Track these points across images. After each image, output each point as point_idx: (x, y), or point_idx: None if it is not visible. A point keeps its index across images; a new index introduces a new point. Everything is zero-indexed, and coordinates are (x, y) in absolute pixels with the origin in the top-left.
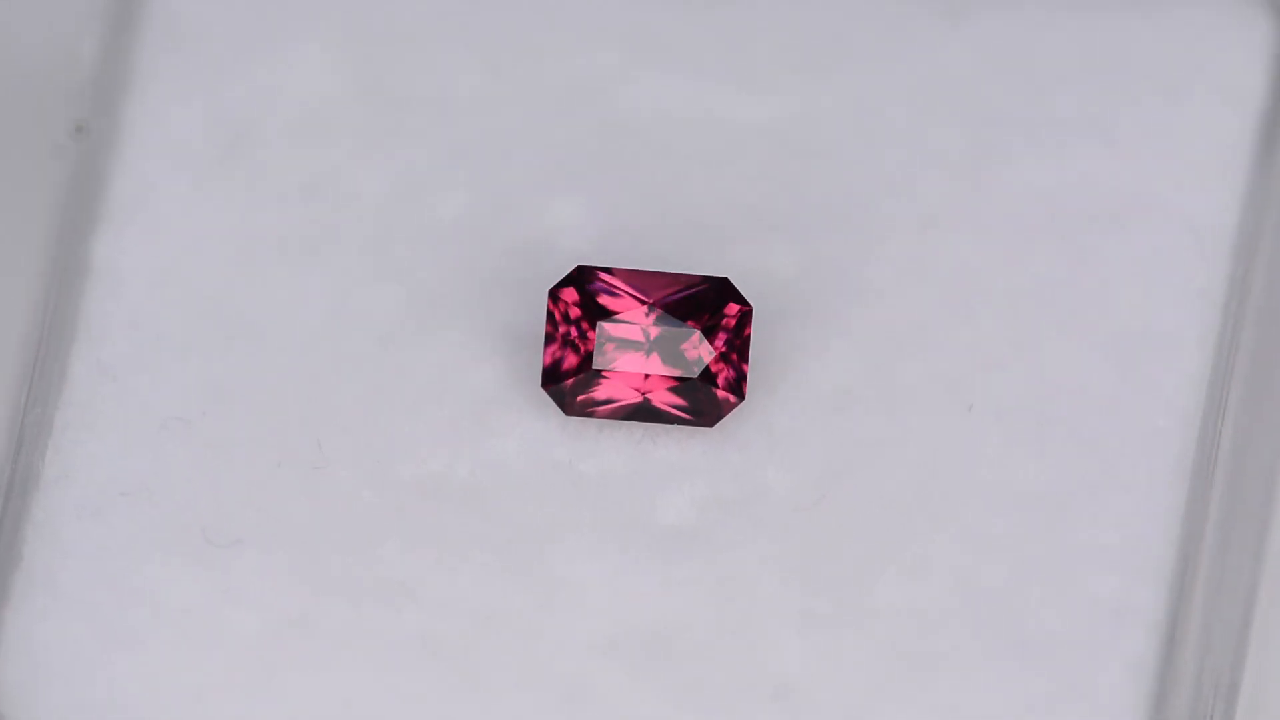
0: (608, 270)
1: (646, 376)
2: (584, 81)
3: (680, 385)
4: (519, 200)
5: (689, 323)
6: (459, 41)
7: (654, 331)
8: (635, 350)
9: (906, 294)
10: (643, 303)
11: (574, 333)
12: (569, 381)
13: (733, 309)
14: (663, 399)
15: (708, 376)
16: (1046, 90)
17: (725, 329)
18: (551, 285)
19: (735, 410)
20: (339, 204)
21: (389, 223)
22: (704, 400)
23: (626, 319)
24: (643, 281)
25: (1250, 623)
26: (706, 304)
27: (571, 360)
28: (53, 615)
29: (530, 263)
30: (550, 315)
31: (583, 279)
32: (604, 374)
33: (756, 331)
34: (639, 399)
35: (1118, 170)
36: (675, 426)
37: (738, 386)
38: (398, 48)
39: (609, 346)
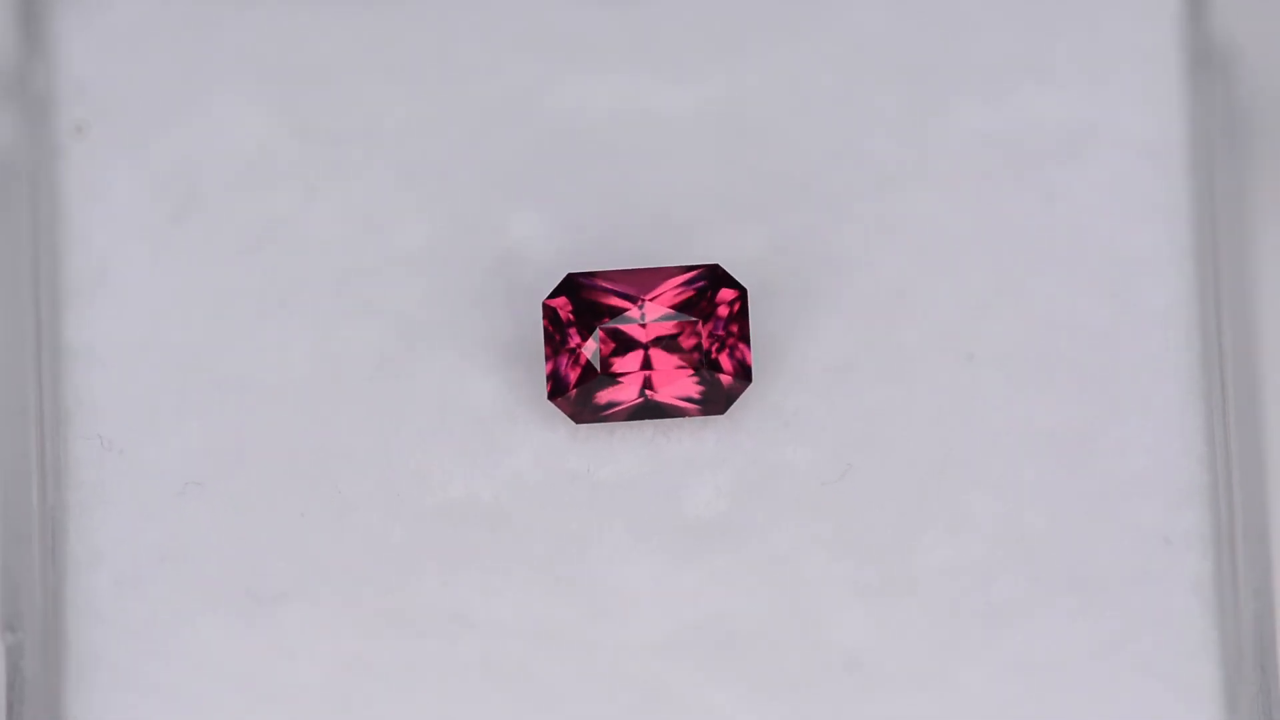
0: (596, 274)
1: (651, 373)
2: (513, 93)
3: (686, 377)
4: (477, 218)
5: (685, 314)
6: (381, 70)
7: (651, 328)
8: (636, 349)
9: (881, 257)
10: (636, 301)
11: (572, 341)
12: (575, 390)
13: (727, 294)
14: (670, 393)
15: (712, 364)
16: (968, 34)
17: (721, 315)
18: (530, 296)
19: (743, 395)
20: (300, 247)
21: (355, 258)
22: (712, 389)
23: (623, 319)
24: (632, 280)
25: (1270, 535)
26: (700, 293)
27: (574, 369)
28: (112, 693)
29: (503, 278)
30: (546, 328)
31: (573, 286)
32: (609, 378)
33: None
34: (646, 397)
35: (1058, 103)
36: (684, 419)
37: (744, 370)
38: (322, 85)
39: (609, 349)
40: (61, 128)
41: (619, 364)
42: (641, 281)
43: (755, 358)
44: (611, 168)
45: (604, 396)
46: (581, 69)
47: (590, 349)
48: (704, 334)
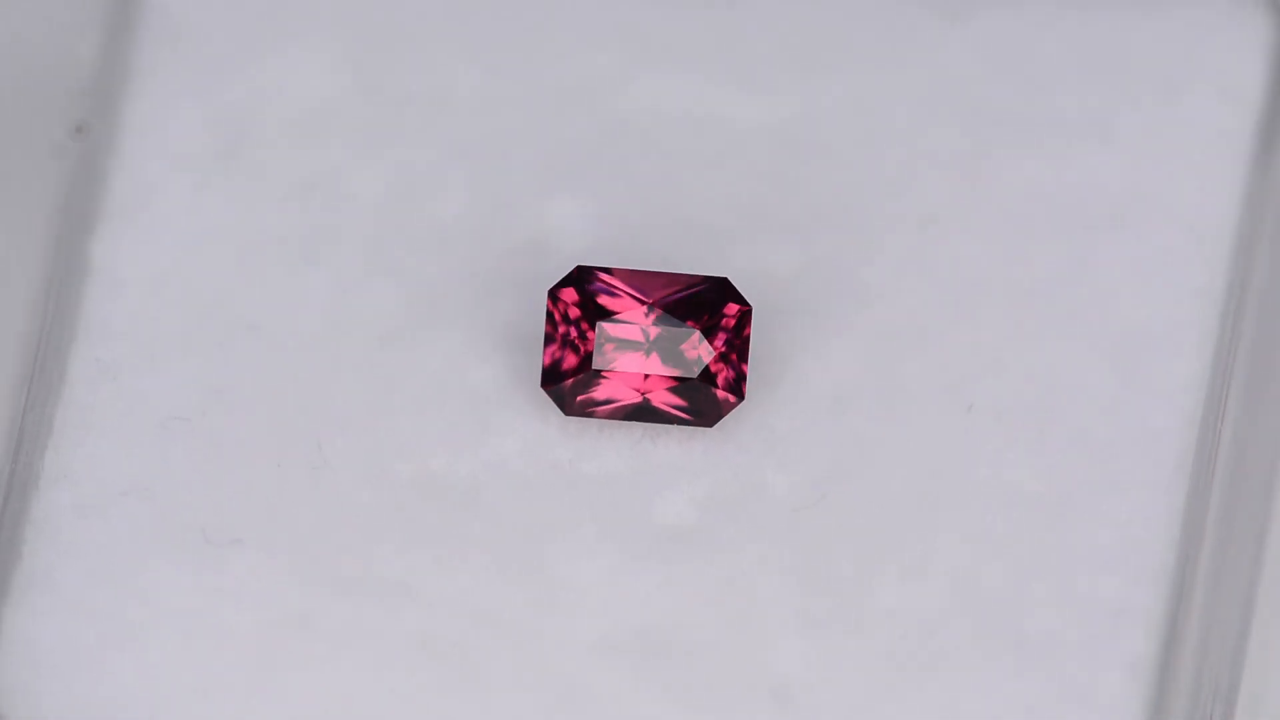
0: (607, 270)
1: (646, 377)
2: (584, 82)
3: (680, 385)
4: (518, 200)
5: (689, 323)
6: (459, 41)
7: (654, 331)
8: (635, 350)
9: (906, 293)
10: (642, 303)
11: (573, 333)
12: (569, 381)
13: (732, 309)
14: (662, 399)
15: (707, 376)
16: (1046, 89)
17: (725, 329)
18: (551, 285)
19: (735, 410)
20: (338, 204)
21: (388, 223)
22: (704, 400)
23: (626, 319)
24: (642, 281)
25: (1250, 624)
26: (706, 304)
27: (571, 360)
28: (52, 614)
29: (530, 263)
30: (550, 315)
31: (582, 279)
32: (603, 374)
33: (756, 331)
34: (638, 399)
35: (1117, 169)
36: (675, 426)
37: (737, 386)
38: (397, 47)
39: (608, 346)
40: (144, 46)
41: (616, 362)
42: (650, 284)
43: (757, 375)
44: (663, 168)
45: (596, 392)
46: (657, 68)
47: (590, 343)
48: (704, 345)
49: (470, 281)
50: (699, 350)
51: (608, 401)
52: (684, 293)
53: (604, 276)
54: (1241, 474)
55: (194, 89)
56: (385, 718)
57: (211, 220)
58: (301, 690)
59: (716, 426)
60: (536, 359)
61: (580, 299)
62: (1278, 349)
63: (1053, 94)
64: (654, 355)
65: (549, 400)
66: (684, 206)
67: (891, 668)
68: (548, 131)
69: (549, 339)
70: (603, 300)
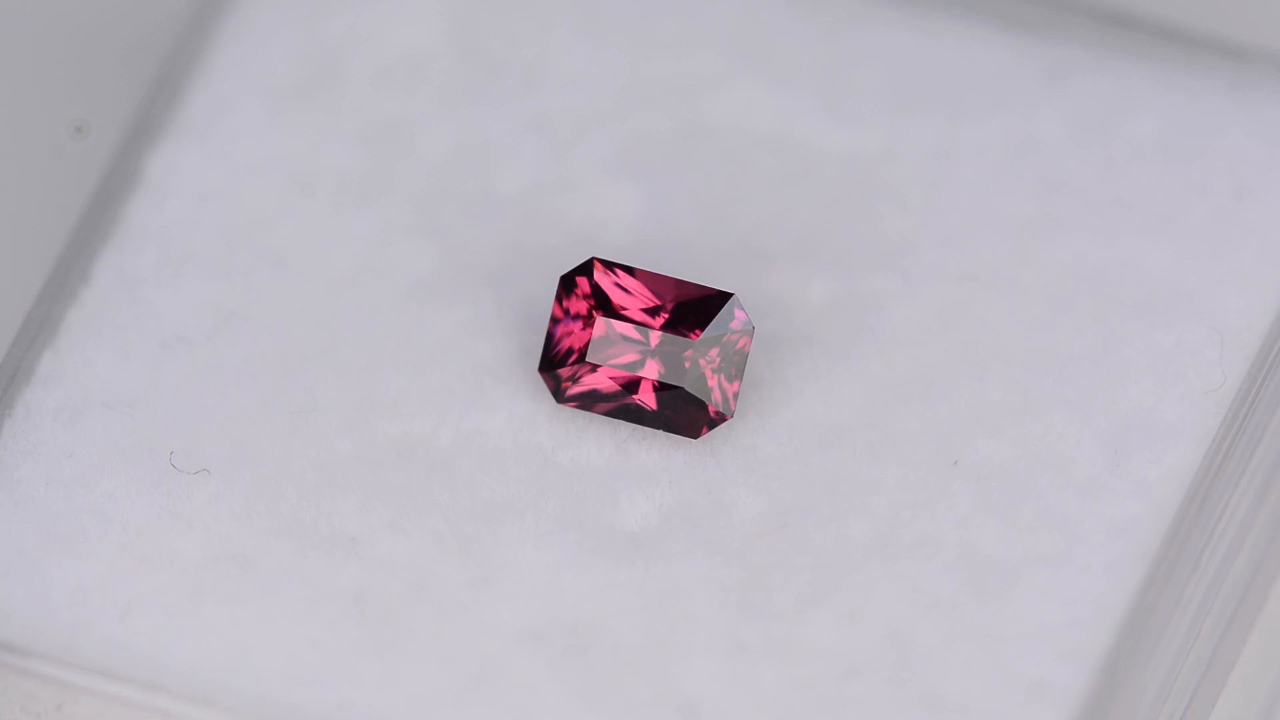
0: (623, 268)
1: (639, 379)
2: (679, 79)
3: (670, 393)
4: (578, 183)
5: (690, 333)
6: (564, 15)
7: (654, 335)
8: (633, 350)
9: (925, 344)
10: (650, 305)
11: (578, 323)
12: (563, 370)
13: (735, 325)
14: (651, 403)
15: (699, 388)
16: (1122, 168)
17: (724, 344)
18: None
19: (724, 426)
20: (402, 156)
21: (444, 184)
22: (692, 411)
23: (630, 318)
24: (654, 284)
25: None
26: (710, 316)
27: (570, 349)
28: (3, 506)
29: (569, 247)
30: (558, 301)
31: (594, 271)
32: (597, 368)
33: (768, 354)
34: (628, 399)
35: (1166, 259)
36: (660, 432)
37: (726, 403)
38: (502, 11)
39: (608, 342)
40: None
41: (612, 359)
42: (661, 288)
43: (759, 400)
44: (726, 178)
45: (589, 384)
46: (753, 76)
47: (589, 335)
48: (700, 357)
49: (503, 255)
50: (695, 361)
51: (598, 396)
52: (690, 302)
53: (617, 273)
54: (1203, 579)
55: (291, 19)
56: (301, 665)
57: (272, 150)
58: (226, 624)
59: (701, 440)
60: (542, 342)
61: (591, 290)
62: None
63: (1125, 173)
64: (651, 359)
65: (544, 385)
66: (734, 220)
67: (803, 706)
68: (625, 121)
69: (552, 324)
70: (613, 296)
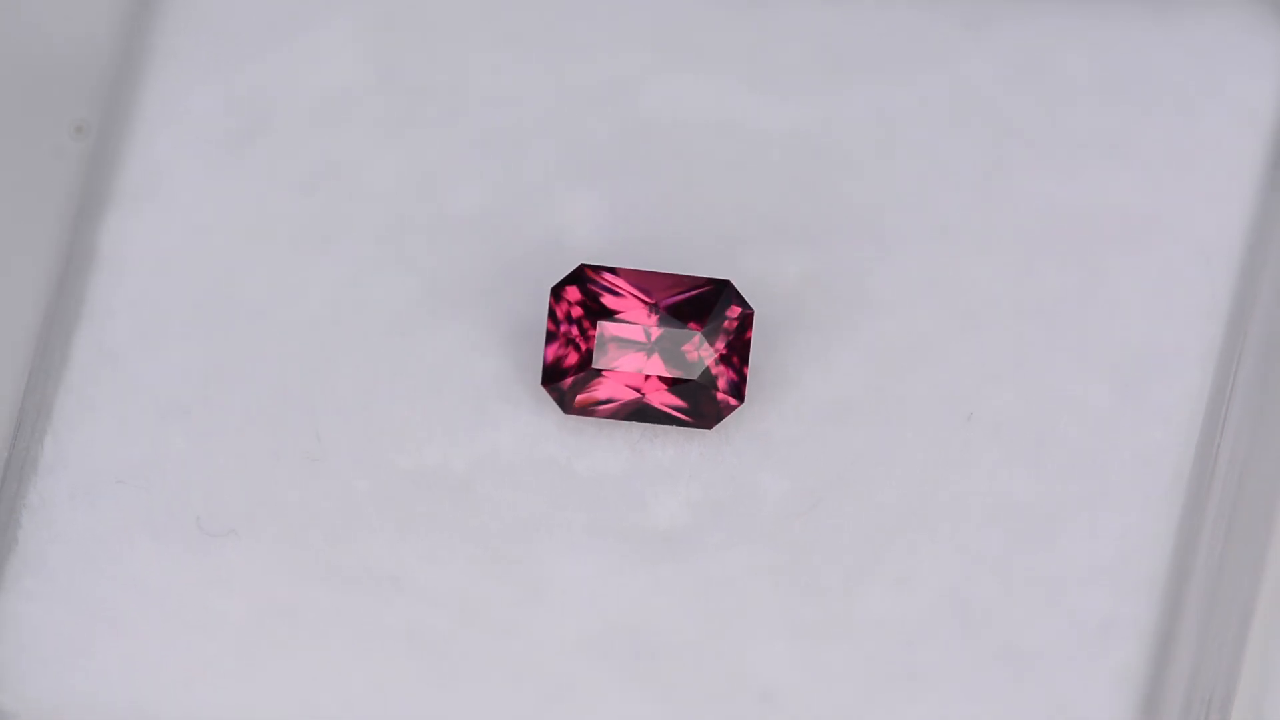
0: (611, 270)
1: (646, 377)
2: (606, 80)
3: (679, 387)
4: (533, 196)
5: (690, 324)
6: (483, 33)
7: (655, 332)
8: (636, 350)
9: (912, 305)
10: (645, 303)
11: (575, 331)
12: (568, 380)
13: (734, 312)
14: (661, 400)
15: (707, 379)
16: (1063, 103)
17: (726, 332)
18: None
19: (734, 414)
20: (351, 193)
21: (401, 213)
22: (703, 402)
23: (628, 319)
24: (645, 282)
25: (1245, 639)
26: (708, 306)
27: (572, 359)
28: (42, 598)
29: (540, 259)
30: (552, 313)
31: (585, 278)
32: (603, 373)
33: (760, 337)
34: (638, 399)
35: (1128, 186)
36: (673, 428)
37: (737, 389)
38: (420, 37)
39: (609, 346)
40: (158, 30)
41: (616, 362)
42: (653, 285)
43: (758, 380)
44: (679, 170)
45: (596, 391)
46: (679, 69)
47: (591, 342)
48: (704, 347)
49: (479, 275)
50: (700, 352)
51: (607, 401)
52: (686, 294)
53: (607, 276)
54: (1239, 490)
55: (212, 73)
56: (370, 708)
57: (222, 205)
58: (287, 679)
59: (715, 429)
60: (539, 355)
61: (583, 297)
62: (1276, 370)
63: (1070, 109)
64: (655, 356)
65: (549, 398)
66: (698, 209)
67: (878, 678)
68: (566, 128)
69: (550, 337)
70: (605, 300)
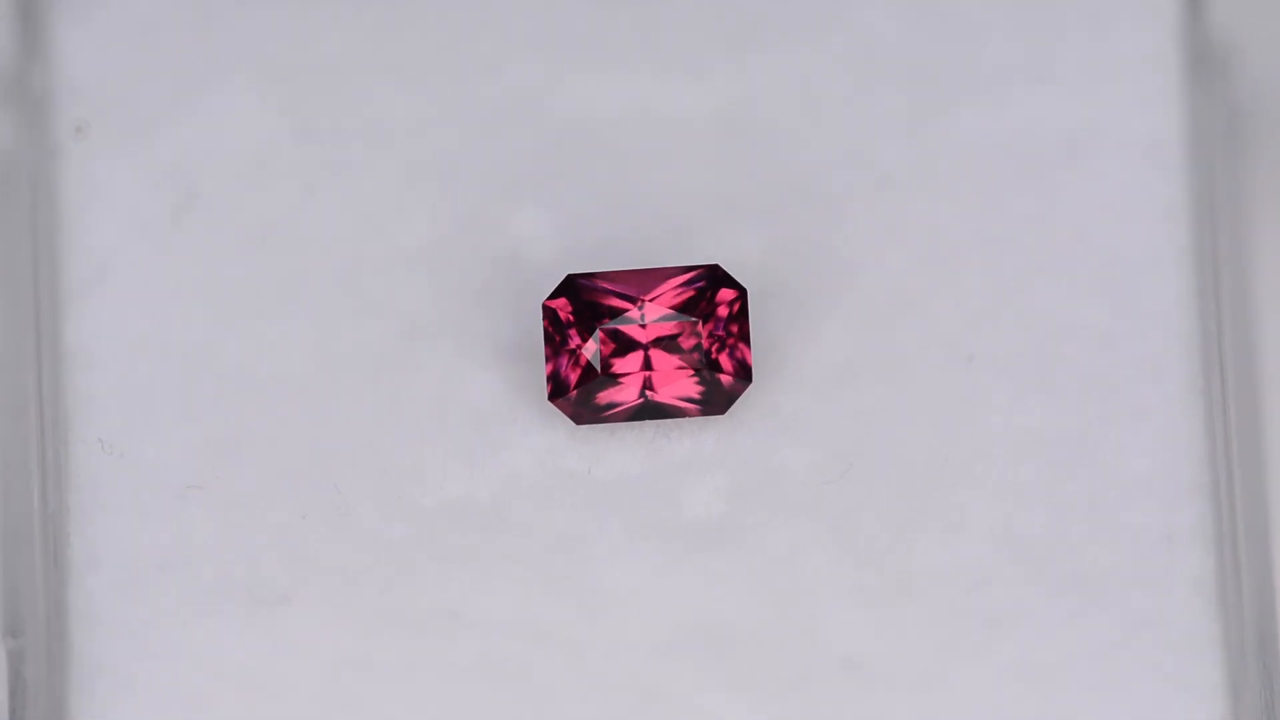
0: (596, 274)
1: (651, 374)
2: (519, 92)
3: (686, 377)
4: (480, 218)
5: (685, 314)
6: (387, 68)
7: (652, 328)
8: (636, 349)
9: (882, 259)
10: (636, 301)
11: (572, 342)
12: (575, 391)
13: (726, 294)
14: (670, 394)
15: (712, 365)
16: (974, 38)
17: (721, 315)
18: (531, 296)
19: (743, 396)
20: (302, 246)
21: (356, 258)
22: (712, 389)
23: (623, 320)
24: (632, 280)
25: (1271, 529)
26: (699, 293)
27: (574, 370)
28: (113, 697)
29: (504, 277)
30: (546, 329)
31: (573, 287)
32: (609, 378)
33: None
34: (646, 398)
35: (1059, 106)
36: (684, 420)
37: (744, 370)
38: (325, 82)
39: (609, 350)
40: (60, 127)
41: (619, 365)
42: (641, 282)
43: (755, 359)
44: (615, 168)
45: (604, 397)
46: (587, 68)
47: (590, 350)
48: (704, 334)
49: (450, 304)
50: (699, 340)
51: (616, 405)
52: (675, 285)
53: (595, 281)
54: (1251, 383)
55: (127, 156)
56: None
57: (176, 282)
58: None
59: (726, 415)
60: (533, 372)
61: (574, 307)
62: (1252, 255)
63: (981, 42)
64: (655, 351)
65: (554, 411)
66: (644, 203)
67: (954, 626)
68: (493, 147)
69: (549, 352)
70: (597, 304)
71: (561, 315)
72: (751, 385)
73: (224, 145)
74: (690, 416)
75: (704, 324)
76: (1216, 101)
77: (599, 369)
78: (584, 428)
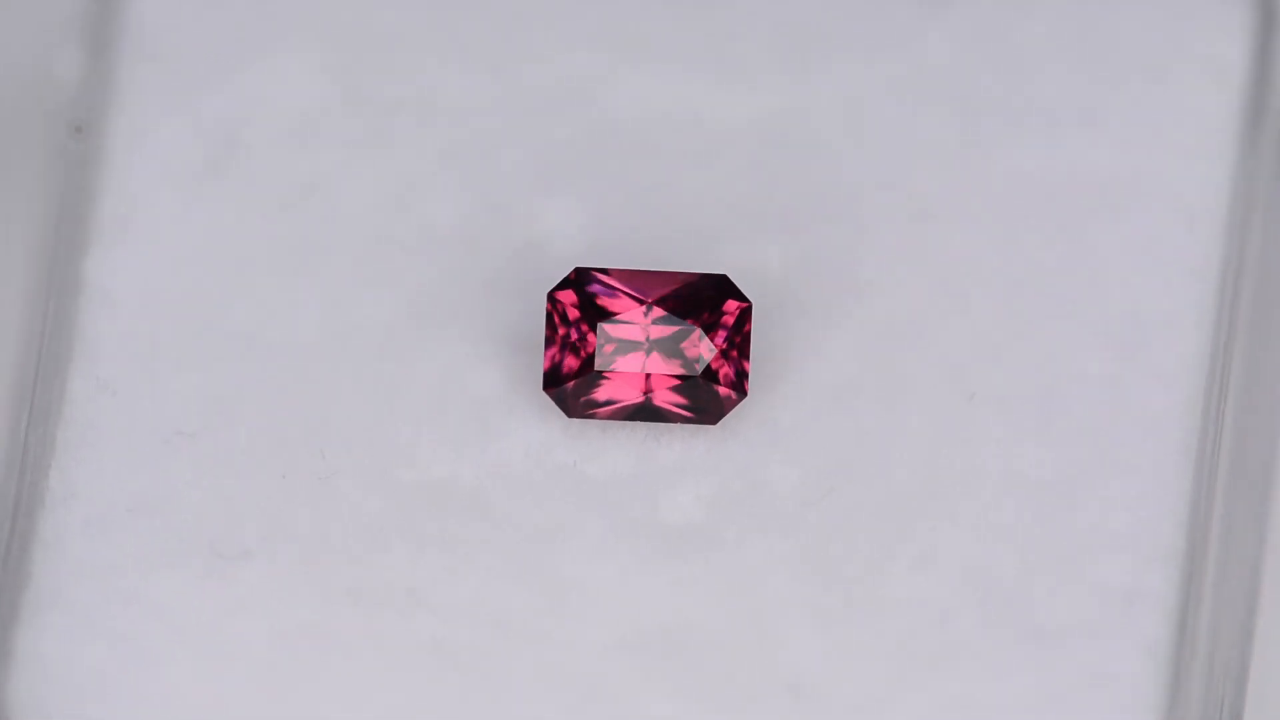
0: (605, 271)
1: (648, 376)
2: (570, 83)
3: (682, 384)
4: (511, 204)
5: (689, 321)
6: (443, 45)
7: (654, 331)
8: (636, 350)
9: (901, 285)
10: (641, 302)
11: (574, 335)
12: (571, 384)
13: (732, 306)
14: (665, 398)
15: (709, 374)
16: (1030, 75)
17: (725, 326)
18: (548, 288)
19: (737, 407)
20: (330, 212)
21: (381, 230)
22: (706, 398)
23: (626, 319)
24: (641, 281)
25: (1257, 604)
26: (705, 301)
27: (572, 362)
28: (64, 632)
29: (525, 266)
30: (549, 318)
31: (581, 281)
32: (605, 375)
33: (754, 328)
34: (641, 399)
35: (1105, 153)
36: (678, 425)
37: (739, 383)
38: (382, 53)
39: (609, 347)
40: (121, 63)
41: (617, 363)
42: (649, 283)
43: (758, 371)
44: (652, 167)
45: (599, 393)
46: (642, 67)
47: (590, 344)
48: (704, 343)
49: (465, 286)
50: (700, 348)
51: (610, 402)
52: (683, 291)
53: (602, 277)
54: (1244, 453)
55: (178, 102)
56: None
57: (202, 233)
58: (317, 700)
59: (720, 424)
60: (536, 362)
61: (579, 300)
62: (1275, 325)
63: (1036, 80)
64: (655, 354)
65: (551, 403)
66: (675, 205)
67: (905, 659)
68: (537, 134)
69: (549, 342)
70: (602, 301)
71: (566, 307)
72: (749, 398)
73: (271, 106)
74: (683, 423)
75: (706, 332)
76: (1265, 165)
77: (596, 365)
78: (579, 425)
